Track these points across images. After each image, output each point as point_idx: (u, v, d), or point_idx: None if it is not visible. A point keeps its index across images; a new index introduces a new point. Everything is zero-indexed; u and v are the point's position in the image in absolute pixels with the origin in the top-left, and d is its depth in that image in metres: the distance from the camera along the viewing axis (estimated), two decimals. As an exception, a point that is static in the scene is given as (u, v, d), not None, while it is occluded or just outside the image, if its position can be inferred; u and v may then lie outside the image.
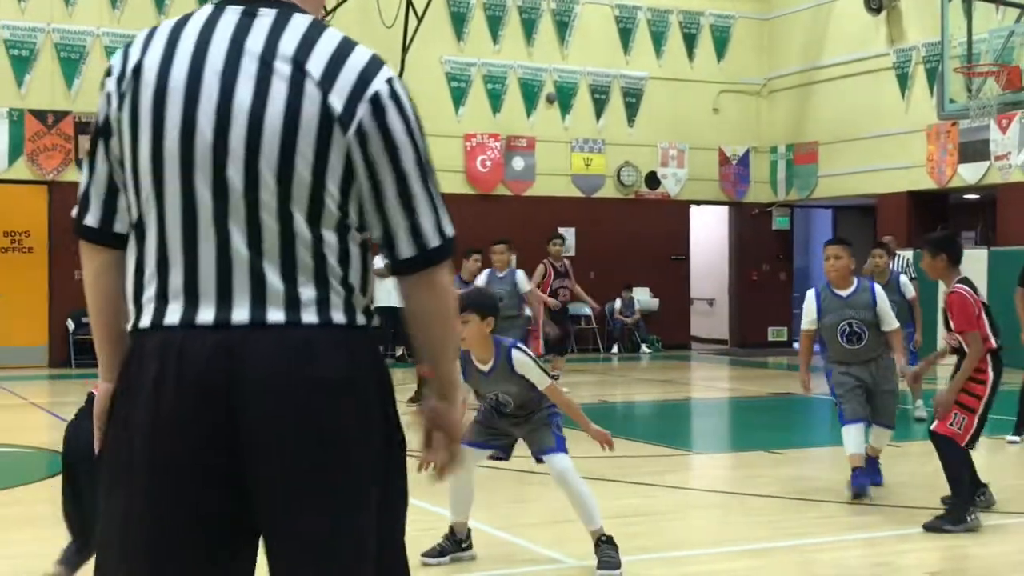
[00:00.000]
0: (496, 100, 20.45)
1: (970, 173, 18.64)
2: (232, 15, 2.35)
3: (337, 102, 2.27)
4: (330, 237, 2.31)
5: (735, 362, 19.82)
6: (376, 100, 2.31)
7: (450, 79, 20.14)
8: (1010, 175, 18.06)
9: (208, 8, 2.38)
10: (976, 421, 6.60)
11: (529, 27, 20.71)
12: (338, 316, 2.32)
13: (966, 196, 20.16)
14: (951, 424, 6.58)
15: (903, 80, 19.65)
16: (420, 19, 18.35)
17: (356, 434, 2.30)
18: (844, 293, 7.60)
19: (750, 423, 12.46)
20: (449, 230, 2.41)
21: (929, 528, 6.46)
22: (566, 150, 21.00)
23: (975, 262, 17.66)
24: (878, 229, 19.64)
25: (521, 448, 6.18)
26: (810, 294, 7.86)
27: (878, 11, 19.73)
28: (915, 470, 8.78)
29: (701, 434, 11.90)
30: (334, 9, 17.76)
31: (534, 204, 20.55)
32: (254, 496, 2.27)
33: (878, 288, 7.78)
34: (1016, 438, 9.85)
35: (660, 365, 18.97)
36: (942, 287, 7.01)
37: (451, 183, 20.08)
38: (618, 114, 21.39)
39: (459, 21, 20.20)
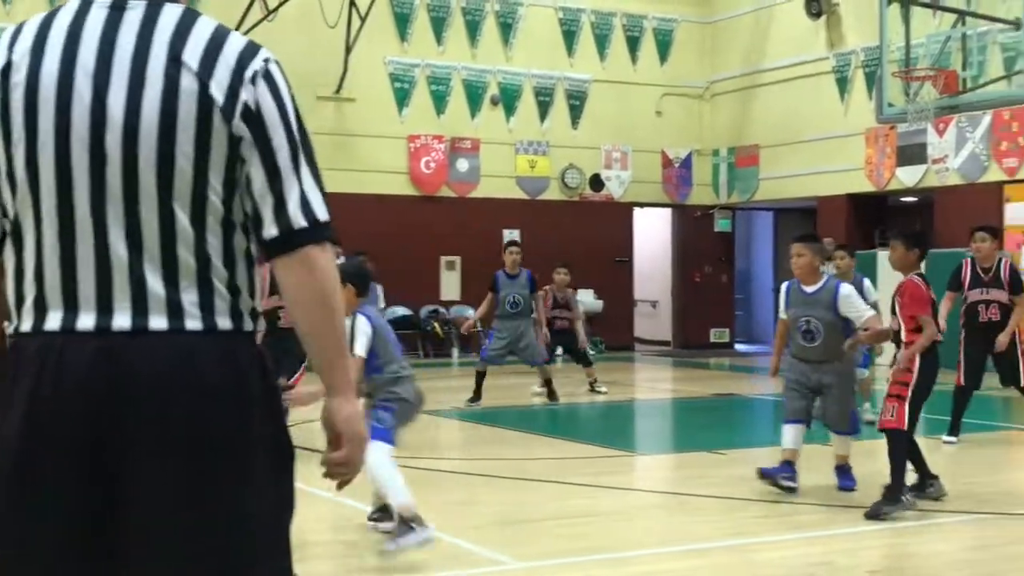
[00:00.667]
0: (440, 101, 20.42)
1: (908, 176, 18.90)
2: (100, 10, 2.27)
3: (218, 91, 2.22)
4: (214, 237, 2.25)
5: (678, 363, 19.93)
6: (255, 80, 2.26)
7: (394, 80, 20.07)
8: (947, 178, 18.33)
9: (75, 2, 2.30)
10: (907, 407, 6.94)
11: (473, 29, 20.69)
12: (223, 322, 2.26)
13: (904, 199, 20.43)
14: (890, 416, 6.97)
15: (843, 84, 19.89)
16: (363, 19, 18.27)
17: (241, 441, 2.23)
18: (809, 290, 7.73)
19: (693, 424, 12.54)
20: (321, 214, 2.30)
21: (869, 516, 6.68)
22: (510, 152, 21.01)
23: (913, 264, 17.90)
24: (818, 231, 19.86)
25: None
26: (784, 287, 8.06)
27: (818, 16, 19.95)
28: (856, 470, 8.88)
29: (644, 435, 11.95)
30: (276, 9, 17.63)
31: (478, 206, 20.54)
32: (134, 506, 2.19)
33: (844, 287, 7.82)
34: (952, 439, 9.99)
35: (604, 366, 19.01)
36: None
37: (395, 184, 20.03)
38: (562, 116, 21.44)
39: (403, 22, 20.14)
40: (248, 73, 2.26)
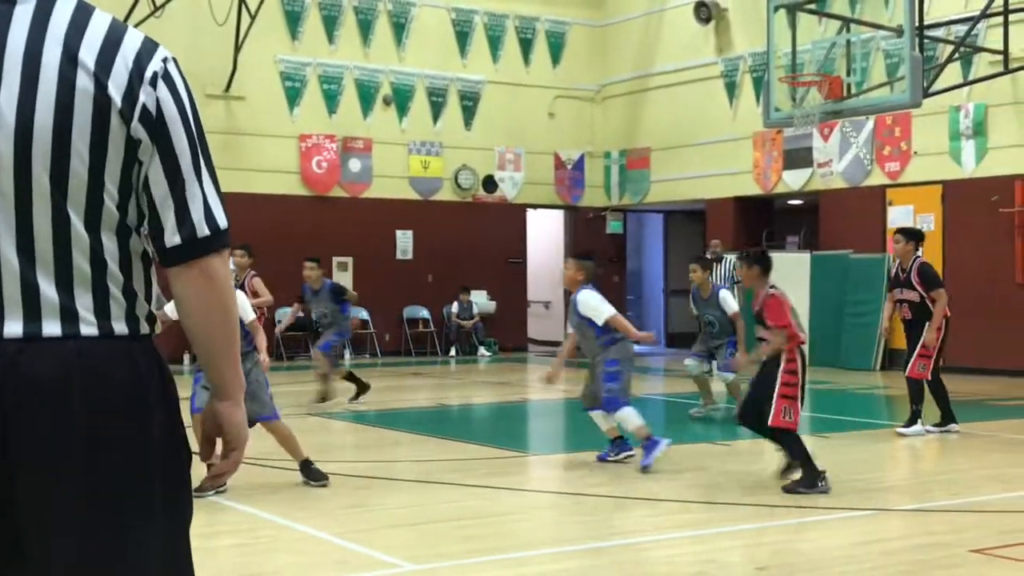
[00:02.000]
0: (332, 101, 20.24)
1: (794, 179, 19.30)
2: None
3: (115, 92, 2.15)
4: (109, 242, 2.19)
5: (570, 364, 20.02)
6: (155, 82, 2.19)
7: (284, 79, 19.84)
8: (831, 182, 18.76)
9: None
10: (799, 407, 7.87)
11: (365, 28, 20.56)
12: (120, 327, 2.20)
13: (790, 202, 20.86)
14: (784, 417, 7.75)
15: (731, 88, 20.22)
16: (253, 17, 18.03)
17: (138, 449, 2.18)
18: (574, 298, 8.91)
19: (584, 424, 12.61)
20: (222, 221, 2.26)
21: (787, 490, 7.64)
22: (403, 152, 20.93)
23: (798, 265, 18.30)
24: (707, 233, 20.17)
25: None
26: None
27: (707, 21, 20.26)
28: (743, 468, 9.03)
29: (537, 435, 11.99)
30: (163, 5, 17.30)
31: (371, 206, 20.41)
32: (25, 521, 2.13)
33: (581, 294, 8.79)
34: (951, 427, 10.59)
35: (497, 367, 19.06)
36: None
37: (286, 184, 19.80)
38: (455, 117, 21.42)
39: (293, 20, 19.92)
40: (148, 74, 2.18)
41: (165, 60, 2.23)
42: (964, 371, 16.59)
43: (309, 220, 19.57)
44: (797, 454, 7.83)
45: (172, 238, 2.21)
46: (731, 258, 15.54)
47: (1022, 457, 9.40)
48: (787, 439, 7.84)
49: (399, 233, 20.78)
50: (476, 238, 20.99)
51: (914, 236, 10.76)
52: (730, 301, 11.47)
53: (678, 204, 22.11)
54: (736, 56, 20.07)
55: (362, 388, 12.74)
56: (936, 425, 10.64)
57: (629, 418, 8.72)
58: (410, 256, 20.70)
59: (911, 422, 10.50)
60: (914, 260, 10.51)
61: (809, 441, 10.12)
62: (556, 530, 6.91)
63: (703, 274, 11.56)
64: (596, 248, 22.74)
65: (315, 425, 11.15)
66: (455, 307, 20.91)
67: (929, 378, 10.41)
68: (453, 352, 20.91)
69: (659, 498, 7.60)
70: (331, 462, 9.24)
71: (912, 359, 10.41)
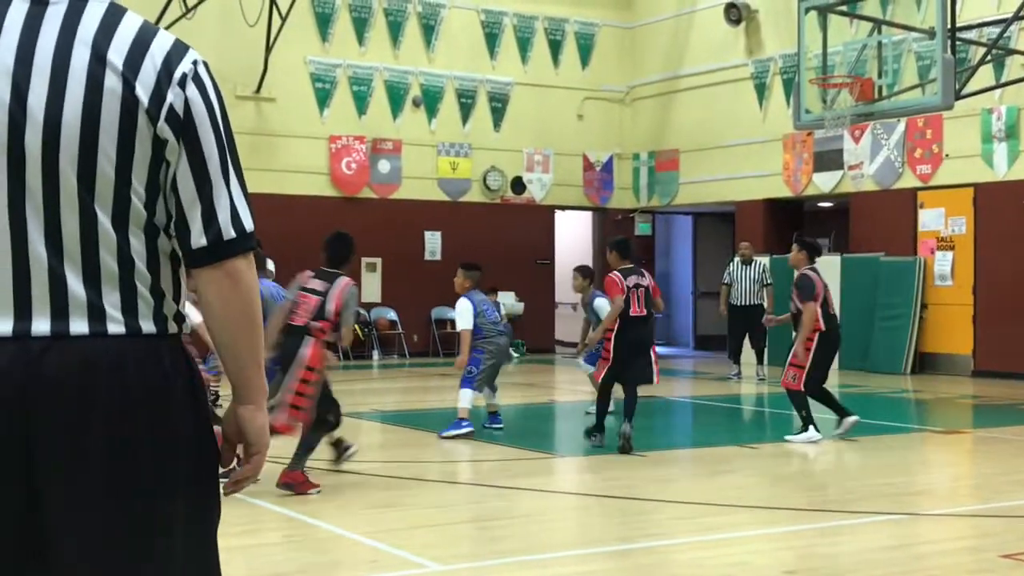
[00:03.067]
0: (362, 102, 20.30)
1: (824, 182, 19.21)
2: (21, 4, 2.20)
3: (143, 92, 2.16)
4: (136, 240, 2.20)
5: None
6: (184, 83, 2.20)
7: (315, 80, 19.92)
8: (862, 184, 18.66)
9: None
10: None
11: (395, 30, 20.61)
12: (147, 325, 2.20)
13: (820, 204, 20.76)
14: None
15: (761, 90, 20.15)
16: (284, 19, 18.11)
17: (164, 450, 2.18)
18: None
19: (612, 426, 12.59)
20: (248, 224, 2.26)
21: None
22: (432, 154, 20.96)
23: (829, 268, 18.19)
24: (736, 235, 20.10)
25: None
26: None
27: (737, 22, 20.19)
28: (771, 471, 8.99)
29: (564, 437, 11.97)
30: (195, 7, 17.40)
31: (400, 207, 20.46)
32: (49, 522, 2.14)
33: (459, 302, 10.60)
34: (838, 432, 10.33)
35: (525, 369, 19.06)
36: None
37: (315, 185, 19.87)
38: (484, 119, 21.44)
39: (324, 22, 20.00)
40: (176, 75, 2.20)
41: (195, 62, 2.24)
42: (993, 375, 16.47)
43: (338, 221, 19.59)
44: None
45: (199, 239, 2.22)
46: (760, 261, 15.46)
47: (1053, 462, 9.31)
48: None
49: (427, 234, 20.81)
50: (504, 240, 20.99)
51: (807, 246, 10.64)
52: (604, 307, 11.28)
53: (707, 206, 22.04)
54: (766, 58, 20.00)
55: None
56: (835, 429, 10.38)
57: (463, 397, 10.33)
58: (438, 257, 20.73)
59: (802, 429, 10.21)
60: (801, 269, 10.44)
61: (837, 445, 10.10)
62: (582, 532, 6.90)
63: (583, 282, 11.71)
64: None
65: (344, 425, 11.17)
66: (483, 308, 20.90)
67: (803, 389, 10.14)
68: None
69: (686, 500, 7.58)
70: (359, 462, 9.27)
71: (785, 368, 10.35)
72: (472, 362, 10.42)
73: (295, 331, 7.75)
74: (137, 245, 2.21)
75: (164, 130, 2.19)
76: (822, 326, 10.09)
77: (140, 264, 2.21)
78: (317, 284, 7.97)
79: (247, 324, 2.27)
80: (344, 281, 8.00)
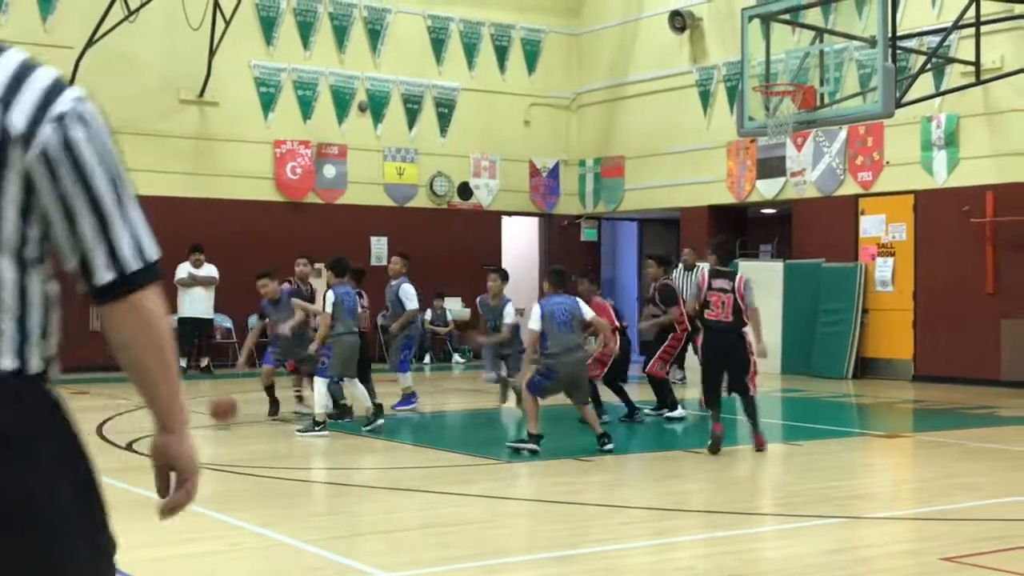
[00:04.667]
0: (307, 107, 20.20)
1: (767, 188, 19.40)
2: None
3: (19, 121, 2.12)
4: (7, 270, 2.15)
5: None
6: (61, 120, 2.16)
7: (259, 84, 19.78)
8: (804, 191, 18.86)
9: None
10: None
11: (341, 34, 20.53)
12: (7, 361, 2.13)
13: (763, 210, 20.96)
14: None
15: (705, 97, 20.30)
16: (228, 22, 17.97)
17: (34, 497, 2.09)
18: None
19: (558, 431, 12.61)
20: (152, 253, 2.24)
21: None
22: (378, 159, 20.90)
23: (771, 274, 18.39)
24: (681, 241, 20.24)
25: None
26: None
27: (682, 30, 20.33)
28: (715, 476, 9.06)
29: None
30: (137, 10, 17.22)
31: (346, 212, 20.37)
32: None
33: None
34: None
35: (472, 375, 19.04)
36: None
37: (260, 190, 19.73)
38: (430, 124, 21.42)
39: (268, 25, 19.87)
40: (54, 111, 2.15)
41: (77, 99, 2.19)
42: (933, 380, 16.71)
43: (283, 226, 19.50)
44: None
45: (104, 276, 2.18)
46: (703, 266, 15.43)
47: (989, 465, 9.46)
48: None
49: (374, 239, 20.75)
50: (451, 245, 20.97)
51: (664, 262, 13.14)
52: (511, 313, 12.36)
53: (652, 212, 22.17)
54: (710, 65, 20.16)
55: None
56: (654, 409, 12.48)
57: (317, 387, 10.91)
58: (384, 262, 20.66)
59: (672, 408, 12.29)
60: (659, 281, 12.63)
61: (780, 448, 10.19)
62: (531, 537, 6.91)
63: (501, 284, 12.55)
64: (571, 255, 22.78)
65: (289, 432, 11.11)
66: (428, 314, 20.87)
67: (666, 374, 12.65)
68: (427, 359, 20.87)
69: (632, 506, 7.61)
70: (304, 469, 9.22)
71: (653, 359, 12.38)
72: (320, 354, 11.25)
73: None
74: (7, 275, 2.15)
75: (36, 166, 2.13)
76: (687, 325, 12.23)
77: (6, 296, 2.15)
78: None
79: (159, 354, 2.23)
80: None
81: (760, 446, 9.81)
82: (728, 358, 9.82)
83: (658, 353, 12.38)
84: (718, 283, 9.86)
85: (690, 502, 7.71)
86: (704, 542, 6.65)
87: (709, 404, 9.97)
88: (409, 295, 12.86)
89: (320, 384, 10.92)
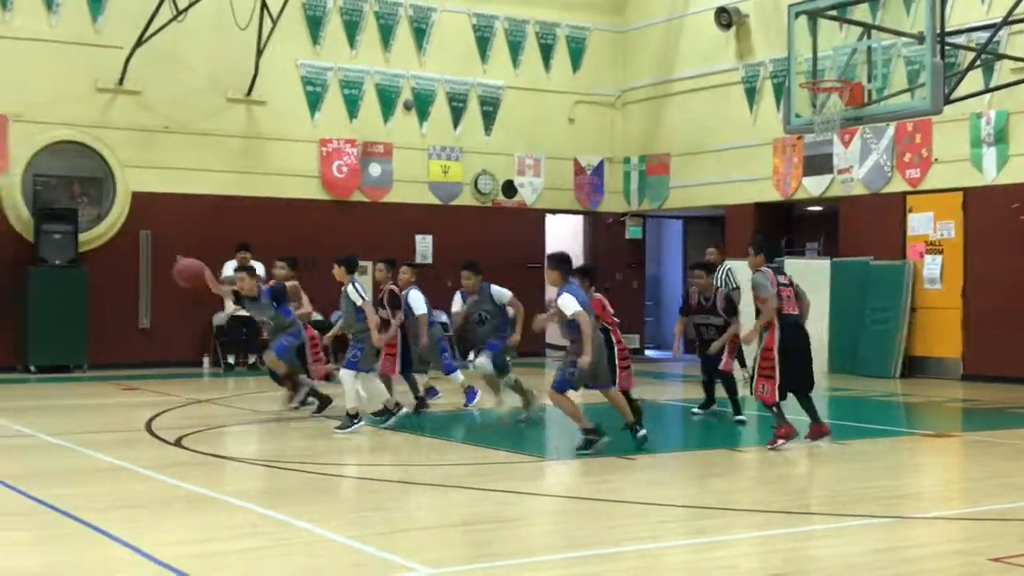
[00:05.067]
0: (353, 105, 20.30)
1: (814, 186, 19.26)
2: None
3: None
4: None
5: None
6: None
7: (306, 83, 19.91)
8: (851, 188, 18.71)
9: None
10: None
11: (386, 33, 20.62)
12: None
13: (810, 208, 20.80)
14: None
15: (751, 94, 20.19)
16: (275, 22, 18.10)
17: None
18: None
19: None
20: None
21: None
22: (423, 157, 20.97)
23: (818, 272, 18.25)
24: (727, 239, 20.14)
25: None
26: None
27: (728, 27, 20.23)
28: (758, 474, 9.01)
29: (554, 440, 11.98)
30: (186, 9, 17.39)
31: (391, 211, 20.46)
32: None
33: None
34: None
35: (515, 373, 19.02)
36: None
37: (306, 188, 19.86)
38: (475, 122, 21.46)
39: (315, 25, 19.99)
40: None
41: None
42: (982, 379, 16.52)
43: (329, 225, 19.62)
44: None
45: None
46: (725, 265, 15.16)
47: (1042, 466, 9.34)
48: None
49: (418, 237, 20.83)
50: (495, 243, 20.98)
51: (712, 270, 13.01)
52: (504, 294, 12.29)
53: (698, 210, 22.08)
54: (756, 62, 20.04)
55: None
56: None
57: (345, 380, 10.88)
58: (429, 260, 20.74)
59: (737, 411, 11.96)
60: (718, 290, 12.34)
61: (827, 448, 10.12)
62: (569, 536, 6.90)
63: (476, 279, 12.43)
64: (615, 253, 22.74)
65: (322, 428, 11.19)
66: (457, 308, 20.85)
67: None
68: (471, 356, 20.86)
69: (674, 504, 7.59)
70: (348, 465, 9.28)
71: (724, 356, 12.04)
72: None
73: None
74: None
75: None
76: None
77: None
78: None
79: None
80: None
81: (825, 433, 9.99)
82: (808, 350, 10.12)
83: (726, 350, 12.07)
84: (782, 279, 10.16)
85: (733, 501, 7.68)
86: (747, 541, 6.62)
87: (784, 398, 9.92)
88: (417, 303, 12.67)
89: (348, 376, 10.91)
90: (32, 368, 17.22)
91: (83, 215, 18.01)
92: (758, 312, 10.11)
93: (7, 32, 17.68)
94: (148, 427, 11.14)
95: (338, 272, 11.33)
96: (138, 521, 6.88)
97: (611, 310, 11.25)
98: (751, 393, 10.27)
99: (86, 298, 17.43)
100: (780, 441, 9.83)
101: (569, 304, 9.57)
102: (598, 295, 10.99)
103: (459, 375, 13.21)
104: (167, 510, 7.29)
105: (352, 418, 10.77)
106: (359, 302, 11.11)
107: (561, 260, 9.92)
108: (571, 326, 9.68)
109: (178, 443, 10.13)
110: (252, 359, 18.32)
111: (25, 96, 17.67)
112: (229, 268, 17.92)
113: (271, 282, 13.00)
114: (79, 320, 17.44)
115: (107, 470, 8.88)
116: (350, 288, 11.18)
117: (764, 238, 10.88)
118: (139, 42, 17.63)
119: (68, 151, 18.06)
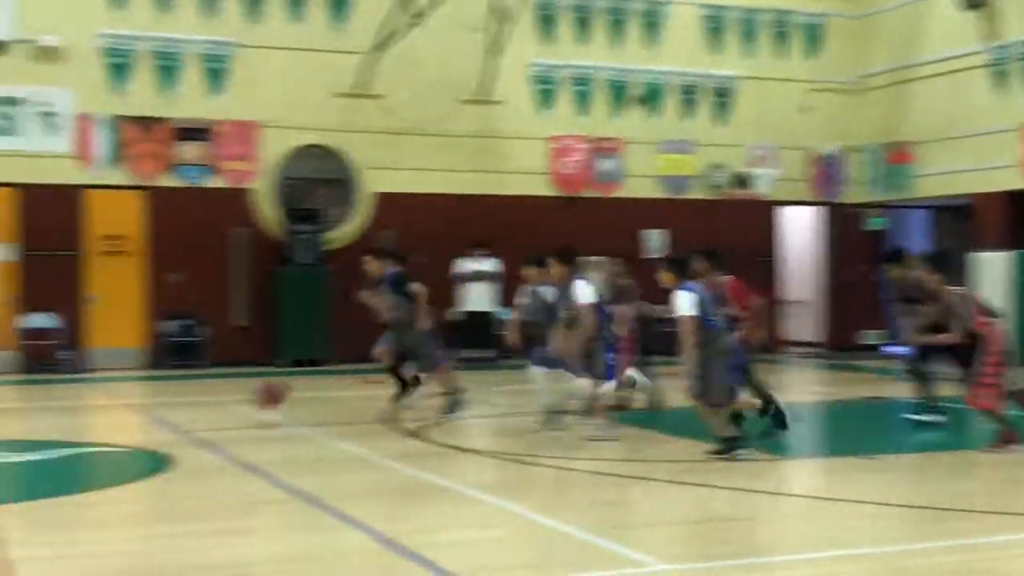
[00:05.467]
0: (583, 102, 20.46)
1: (1070, 172, 18.17)
2: None
3: None
4: None
5: (826, 365, 19.55)
6: None
7: (537, 82, 20.18)
8: (1112, 174, 17.56)
9: None
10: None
11: (617, 29, 20.67)
12: None
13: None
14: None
15: (999, 78, 19.23)
16: (513, 24, 18.37)
17: None
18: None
19: (842, 428, 12.29)
20: None
21: None
22: (653, 151, 20.92)
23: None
24: (975, 230, 19.27)
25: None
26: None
27: (976, 7, 19.33)
28: (997, 476, 8.61)
29: (796, 439, 11.74)
30: (424, 13, 17.88)
31: (621, 206, 20.50)
32: None
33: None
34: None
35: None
36: None
37: (536, 185, 20.13)
38: (707, 114, 21.25)
39: (547, 24, 20.23)
40: None
41: None
42: None
43: (559, 221, 19.82)
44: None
45: None
46: None
47: None
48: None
49: (650, 232, 20.79)
50: (727, 236, 20.68)
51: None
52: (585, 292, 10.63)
53: (942, 200, 21.18)
54: (1006, 44, 19.07)
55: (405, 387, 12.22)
56: None
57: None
58: (660, 255, 20.66)
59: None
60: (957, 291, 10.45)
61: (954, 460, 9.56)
62: (806, 536, 6.77)
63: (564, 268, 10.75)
64: (854, 246, 22.05)
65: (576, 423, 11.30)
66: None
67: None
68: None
69: (918, 506, 7.34)
70: (589, 460, 9.36)
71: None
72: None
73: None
74: None
75: None
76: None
77: None
78: None
79: None
80: None
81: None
82: None
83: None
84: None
85: (980, 503, 7.36)
86: (985, 546, 6.34)
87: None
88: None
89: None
90: (280, 363, 18.08)
91: (327, 216, 18.82)
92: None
93: (254, 41, 18.60)
94: (388, 417, 11.50)
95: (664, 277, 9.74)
96: (380, 510, 7.15)
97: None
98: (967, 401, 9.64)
99: (331, 295, 18.21)
100: (1008, 445, 9.33)
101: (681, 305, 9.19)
102: (729, 277, 10.67)
103: (631, 376, 12.20)
104: (412, 500, 7.54)
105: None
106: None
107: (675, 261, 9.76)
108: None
109: (415, 434, 10.46)
110: (491, 353, 18.65)
111: (270, 102, 18.59)
112: (464, 265, 18.44)
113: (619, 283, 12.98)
114: (324, 316, 18.25)
115: (350, 460, 9.26)
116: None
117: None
118: (381, 47, 18.24)
119: (311, 155, 18.91)
